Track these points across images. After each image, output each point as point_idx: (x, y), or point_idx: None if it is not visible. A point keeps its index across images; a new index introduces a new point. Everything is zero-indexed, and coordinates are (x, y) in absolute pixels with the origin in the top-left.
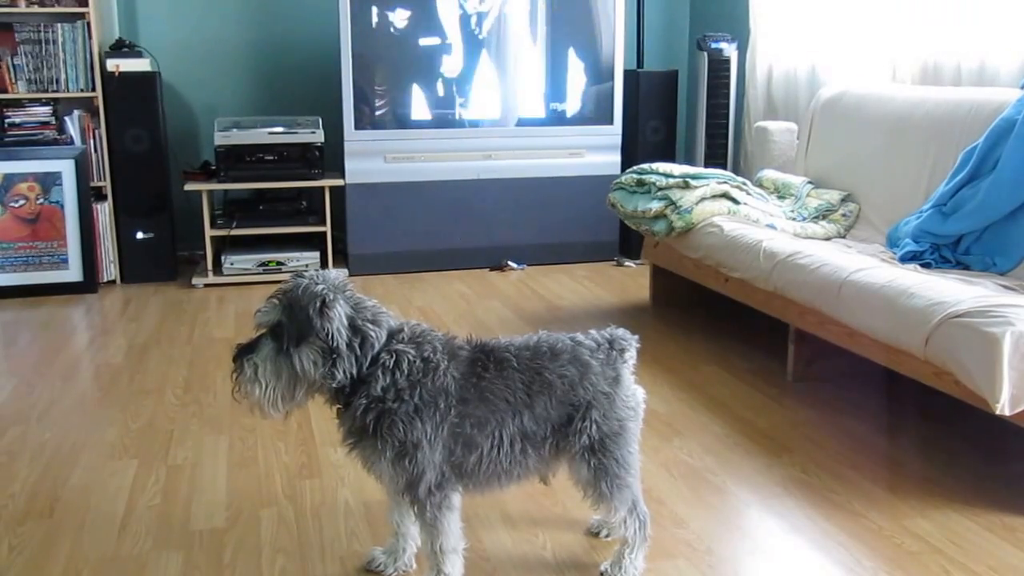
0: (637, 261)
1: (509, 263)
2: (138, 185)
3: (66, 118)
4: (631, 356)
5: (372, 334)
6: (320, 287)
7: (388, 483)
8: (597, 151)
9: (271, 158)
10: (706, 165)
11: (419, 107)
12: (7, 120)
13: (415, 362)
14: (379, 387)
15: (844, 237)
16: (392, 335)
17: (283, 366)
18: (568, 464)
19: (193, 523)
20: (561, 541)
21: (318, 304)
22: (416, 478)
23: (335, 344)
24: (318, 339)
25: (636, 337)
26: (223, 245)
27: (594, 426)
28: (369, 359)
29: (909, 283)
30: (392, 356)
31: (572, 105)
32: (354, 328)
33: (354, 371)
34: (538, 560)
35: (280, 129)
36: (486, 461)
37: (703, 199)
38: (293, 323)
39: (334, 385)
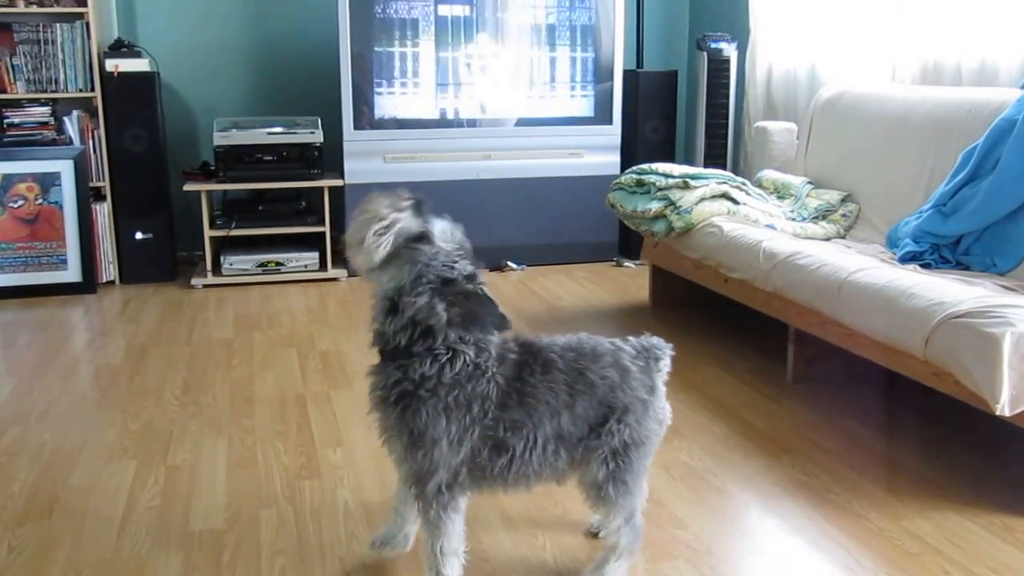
0: (637, 261)
1: (508, 263)
2: (137, 185)
3: (65, 118)
4: (665, 365)
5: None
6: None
7: (397, 463)
8: (597, 151)
9: (270, 158)
10: (706, 165)
11: (418, 107)
12: (6, 120)
13: (468, 365)
14: (419, 372)
15: (844, 237)
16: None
17: (401, 244)
18: (587, 467)
19: (192, 524)
20: (561, 542)
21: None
22: (427, 473)
23: (406, 299)
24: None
25: (670, 345)
26: (222, 245)
27: (627, 430)
28: (424, 341)
29: (909, 283)
30: (448, 352)
31: (571, 105)
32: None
33: (403, 339)
34: (538, 561)
35: (279, 129)
36: (517, 463)
37: (703, 199)
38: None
39: (375, 326)
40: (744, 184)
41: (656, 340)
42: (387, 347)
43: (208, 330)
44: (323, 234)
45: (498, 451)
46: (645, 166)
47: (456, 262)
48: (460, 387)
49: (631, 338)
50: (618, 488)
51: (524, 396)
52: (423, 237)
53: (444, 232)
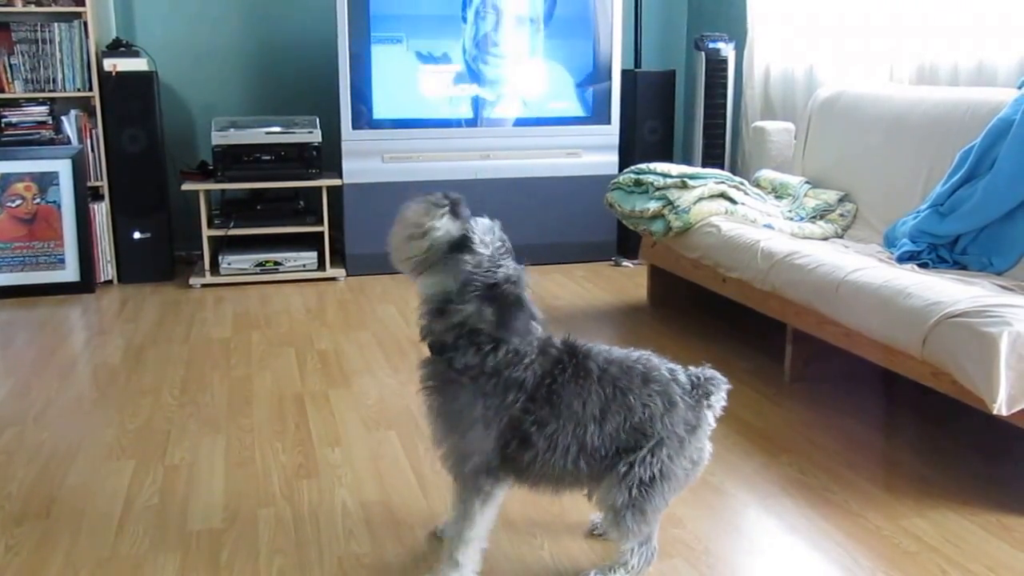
0: (635, 261)
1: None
2: (135, 185)
3: (63, 118)
4: (718, 400)
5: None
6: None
7: (437, 447)
8: (595, 151)
9: (268, 158)
10: (704, 165)
11: (416, 107)
12: (4, 120)
13: (509, 353)
14: (463, 362)
15: (841, 237)
16: None
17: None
18: (610, 488)
19: (190, 523)
20: (559, 542)
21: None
22: (464, 456)
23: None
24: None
25: (726, 381)
26: (220, 245)
27: (658, 464)
28: (470, 337)
29: (906, 283)
30: (492, 343)
31: (570, 105)
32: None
33: (449, 337)
34: (536, 561)
35: (277, 129)
36: (540, 462)
37: (701, 199)
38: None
39: (423, 323)
40: (742, 184)
41: (711, 373)
42: (435, 343)
43: (206, 330)
44: (321, 234)
45: (523, 445)
46: (643, 166)
47: (500, 265)
48: (499, 374)
49: (690, 368)
50: (636, 518)
51: (552, 394)
52: (464, 244)
53: (485, 232)
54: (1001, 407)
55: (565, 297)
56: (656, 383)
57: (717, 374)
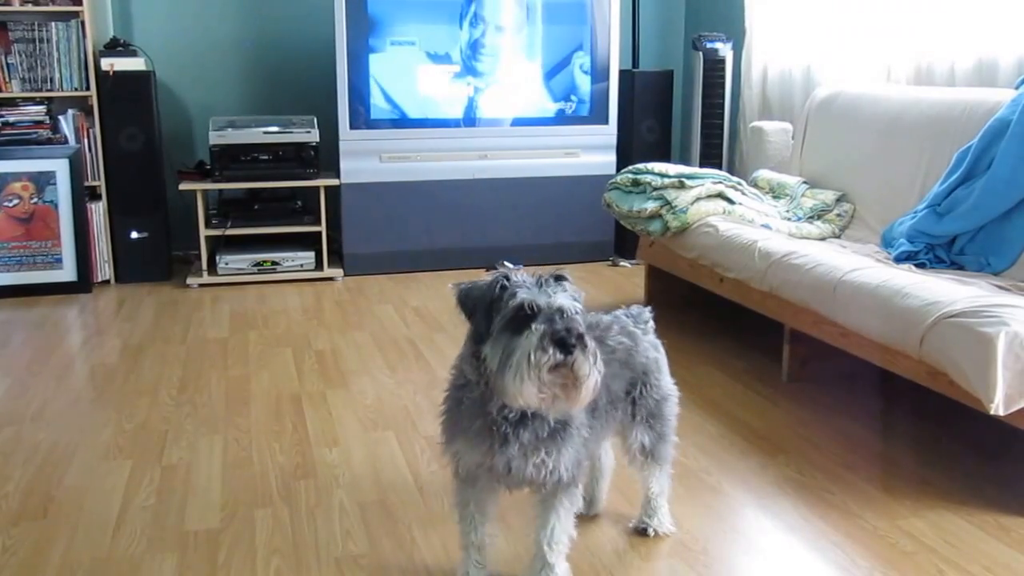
0: (633, 261)
1: (504, 263)
2: (133, 185)
3: (60, 117)
4: (651, 327)
5: None
6: None
7: (543, 475)
8: (592, 151)
9: (266, 158)
10: (701, 165)
11: (414, 107)
12: (1, 119)
13: None
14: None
15: (839, 237)
16: None
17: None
18: (630, 434)
19: (187, 524)
20: None
21: None
22: (582, 458)
23: None
24: None
25: (649, 308)
26: (218, 245)
27: (654, 389)
28: None
29: (904, 283)
30: None
31: (567, 105)
32: None
33: None
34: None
35: (275, 129)
36: (600, 420)
37: (698, 199)
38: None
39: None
40: (740, 184)
41: (637, 308)
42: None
43: (204, 330)
44: (319, 234)
45: (592, 412)
46: (641, 166)
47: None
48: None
49: (618, 311)
50: (665, 446)
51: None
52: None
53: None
54: (998, 407)
55: None
56: (613, 326)
57: (640, 306)
